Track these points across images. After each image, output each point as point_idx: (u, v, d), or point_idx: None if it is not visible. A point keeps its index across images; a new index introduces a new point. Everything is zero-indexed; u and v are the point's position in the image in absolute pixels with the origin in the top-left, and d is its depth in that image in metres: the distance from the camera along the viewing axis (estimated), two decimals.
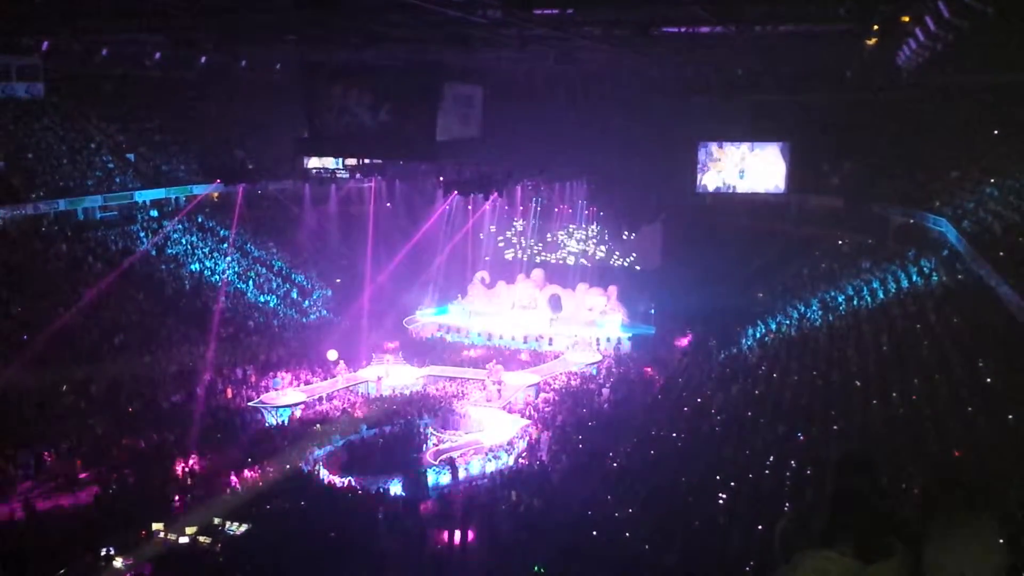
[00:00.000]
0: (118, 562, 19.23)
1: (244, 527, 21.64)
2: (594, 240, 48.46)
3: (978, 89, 38.10)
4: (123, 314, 34.91)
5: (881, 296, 33.81)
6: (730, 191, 48.12)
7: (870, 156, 44.70)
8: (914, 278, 33.60)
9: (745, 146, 47.23)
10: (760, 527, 17.99)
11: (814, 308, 36.12)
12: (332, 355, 35.69)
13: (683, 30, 27.17)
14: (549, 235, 49.61)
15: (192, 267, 40.74)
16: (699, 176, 48.23)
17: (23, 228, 36.28)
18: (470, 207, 49.15)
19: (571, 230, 49.31)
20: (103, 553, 19.40)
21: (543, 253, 48.84)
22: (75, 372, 29.20)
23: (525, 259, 48.68)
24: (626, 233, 47.75)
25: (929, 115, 41.10)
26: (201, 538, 21.12)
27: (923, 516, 3.45)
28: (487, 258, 49.13)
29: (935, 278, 32.54)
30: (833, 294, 36.49)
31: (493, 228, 50.04)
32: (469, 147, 38.64)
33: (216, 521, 21.77)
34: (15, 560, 16.90)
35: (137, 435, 27.31)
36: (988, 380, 22.48)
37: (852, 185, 44.69)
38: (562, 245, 48.94)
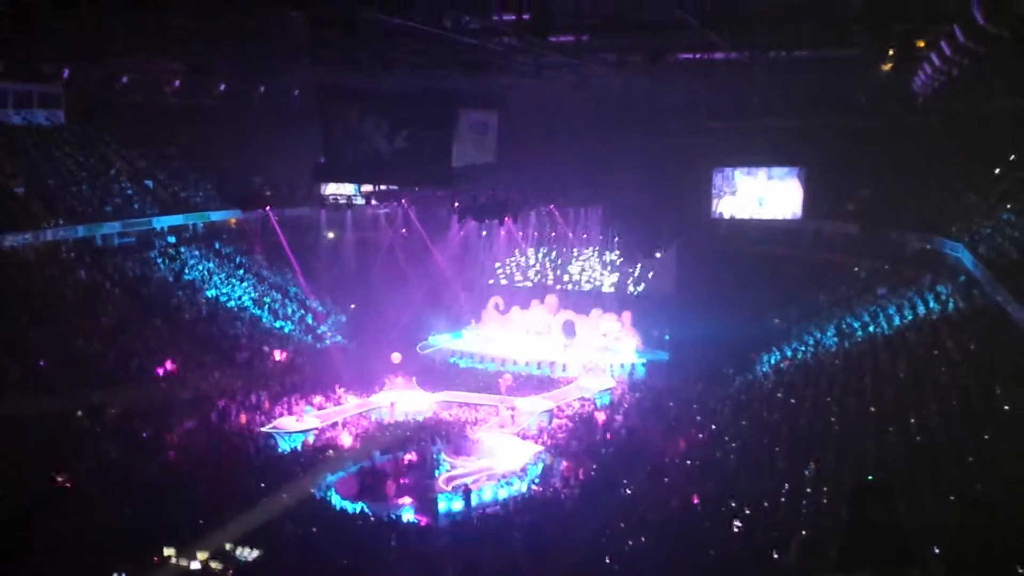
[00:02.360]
0: None
1: (256, 553, 21.55)
2: (609, 266, 48.41)
3: (994, 114, 37.95)
4: (139, 340, 35.09)
5: (897, 322, 33.57)
6: (747, 217, 48.02)
7: (886, 182, 44.54)
8: (931, 304, 33.37)
9: (763, 174, 47.18)
10: (775, 555, 17.77)
11: (830, 334, 35.87)
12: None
13: (697, 56, 27.31)
14: (563, 261, 49.60)
15: (208, 293, 40.96)
16: (715, 202, 48.20)
17: (42, 254, 36.63)
18: (485, 233, 49.26)
19: (586, 256, 49.29)
20: None
21: (557, 279, 48.81)
22: (91, 396, 29.31)
23: (539, 285, 48.65)
24: (641, 259, 47.67)
25: (945, 140, 40.95)
26: (213, 563, 21.04)
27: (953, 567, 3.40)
28: (503, 282, 49.16)
29: (952, 304, 32.29)
30: (849, 320, 36.25)
31: (506, 253, 50.05)
32: (484, 173, 38.80)
33: (228, 546, 21.70)
34: None
35: (150, 460, 27.32)
36: (1006, 407, 22.21)
37: (868, 211, 44.52)
38: (576, 271, 48.91)
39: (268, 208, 47.37)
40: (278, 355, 37.93)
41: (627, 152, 46.10)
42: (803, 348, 36.02)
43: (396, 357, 36.35)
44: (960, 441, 21.42)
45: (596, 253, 49.00)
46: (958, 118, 38.87)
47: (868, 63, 26.80)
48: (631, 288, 47.06)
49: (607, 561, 20.54)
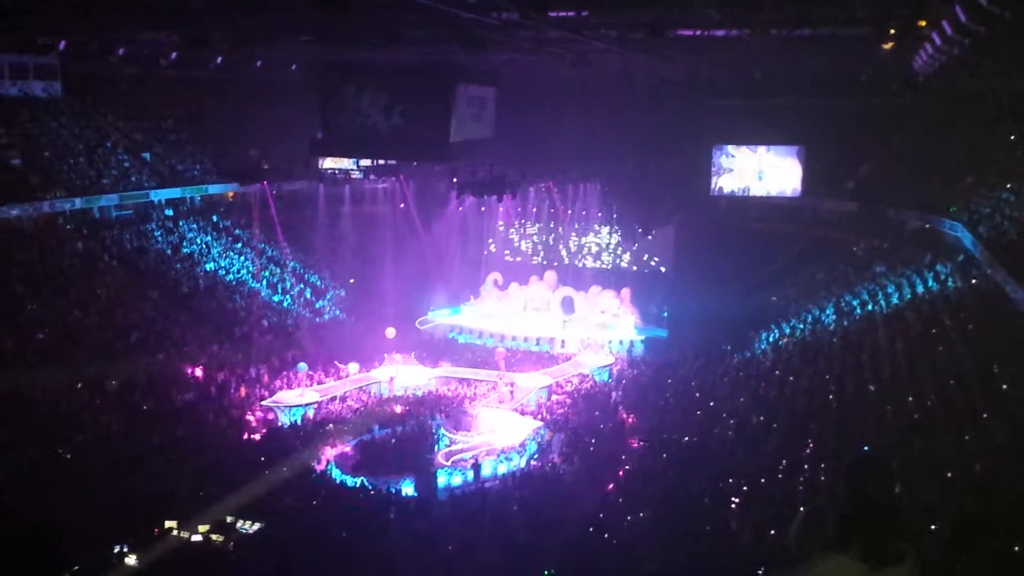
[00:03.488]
0: (131, 559, 19.33)
1: (257, 525, 21.71)
2: (607, 242, 48.38)
3: (995, 94, 37.86)
4: (138, 312, 35.11)
5: (896, 301, 33.66)
6: (745, 194, 47.95)
7: (886, 160, 44.51)
8: (929, 283, 33.46)
9: (762, 149, 47.07)
10: (772, 531, 17.93)
11: (828, 312, 35.98)
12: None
13: (698, 33, 27.11)
14: (562, 237, 49.55)
15: (207, 266, 40.92)
16: (714, 179, 48.11)
17: (40, 226, 36.53)
18: (483, 208, 49.17)
19: (584, 232, 49.24)
20: (116, 551, 19.51)
21: (556, 255, 48.79)
22: (90, 370, 29.37)
23: (538, 261, 48.64)
24: (640, 235, 47.65)
25: (945, 120, 40.88)
26: (214, 536, 21.21)
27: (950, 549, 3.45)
28: (503, 257, 49.15)
29: (950, 283, 32.38)
30: (848, 299, 36.34)
31: (504, 229, 49.98)
32: (482, 148, 38.70)
33: (229, 519, 21.85)
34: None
35: (151, 432, 27.43)
36: (1004, 387, 22.35)
37: (867, 189, 44.49)
38: (575, 247, 48.88)
39: (265, 182, 47.20)
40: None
41: (626, 129, 45.91)
42: (801, 326, 36.13)
43: (391, 332, 36.41)
44: (958, 419, 21.58)
45: (595, 229, 48.94)
46: (959, 98, 38.76)
47: (869, 42, 26.64)
48: (630, 264, 47.07)
49: (605, 536, 20.73)
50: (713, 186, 48.08)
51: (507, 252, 49.69)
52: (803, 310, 37.92)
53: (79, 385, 28.74)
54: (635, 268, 46.78)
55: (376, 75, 37.28)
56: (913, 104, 40.50)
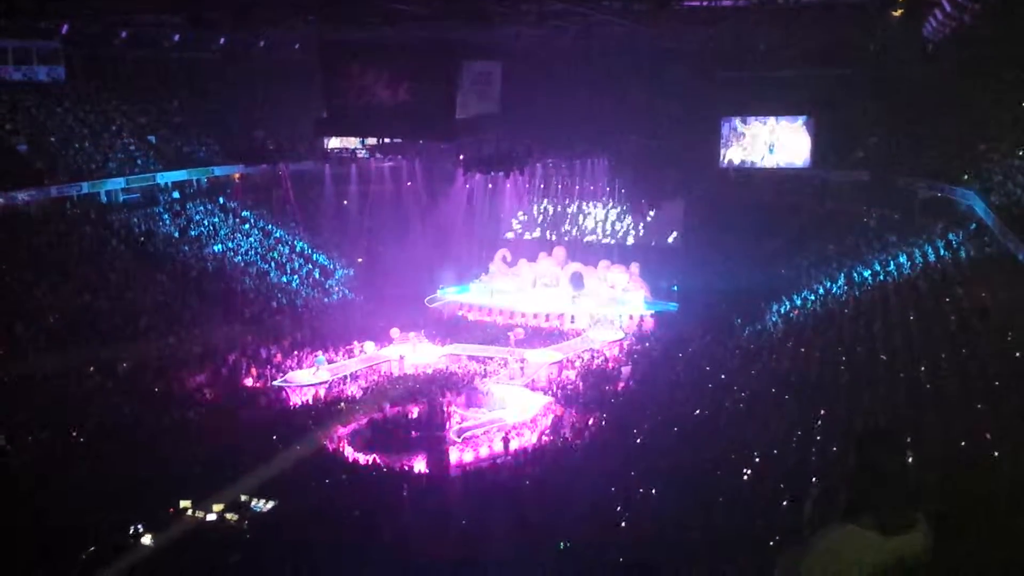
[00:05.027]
0: (147, 539, 19.44)
1: (270, 504, 21.82)
2: (616, 217, 48.18)
3: (1005, 61, 37.36)
4: (147, 296, 35.18)
5: (908, 271, 33.43)
6: (754, 166, 47.63)
7: (896, 129, 44.06)
8: (941, 252, 33.19)
9: (771, 121, 46.69)
10: (785, 503, 17.89)
11: (840, 283, 35.79)
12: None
13: (704, 3, 26.85)
14: (570, 212, 49.38)
15: (215, 248, 40.94)
16: (723, 151, 47.80)
17: (47, 211, 36.58)
18: (490, 185, 49.00)
19: (592, 207, 49.04)
20: (132, 531, 19.63)
21: (564, 231, 48.62)
22: (101, 353, 29.48)
23: (546, 237, 48.49)
24: (648, 209, 47.44)
25: (956, 88, 40.41)
26: (228, 515, 21.32)
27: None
28: (509, 234, 49.02)
29: (963, 252, 32.12)
30: (859, 269, 36.12)
31: (512, 205, 49.83)
32: (488, 124, 38.48)
33: (243, 498, 21.96)
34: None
35: (163, 414, 27.55)
36: (1017, 354, 22.18)
37: (878, 159, 44.09)
38: (583, 222, 48.70)
39: (271, 163, 47.10)
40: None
41: (633, 102, 45.63)
42: (812, 297, 35.96)
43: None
44: (970, 389, 21.44)
45: (603, 204, 48.74)
46: (969, 65, 38.27)
47: (878, 10, 26.33)
48: (639, 239, 46.91)
49: (618, 510, 20.74)
50: (722, 159, 47.76)
51: (515, 228, 49.54)
52: (814, 281, 37.72)
53: (91, 369, 28.84)
54: (644, 242, 46.56)
55: (380, 52, 37.06)
56: (923, 71, 40.05)
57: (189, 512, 21.12)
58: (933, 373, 23.27)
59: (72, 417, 25.88)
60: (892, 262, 34.94)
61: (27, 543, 16.97)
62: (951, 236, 33.94)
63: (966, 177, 36.97)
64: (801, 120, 45.80)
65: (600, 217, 48.72)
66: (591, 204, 49.20)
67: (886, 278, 33.94)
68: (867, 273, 35.24)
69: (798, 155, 46.26)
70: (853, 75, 43.16)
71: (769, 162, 46.84)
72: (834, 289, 35.62)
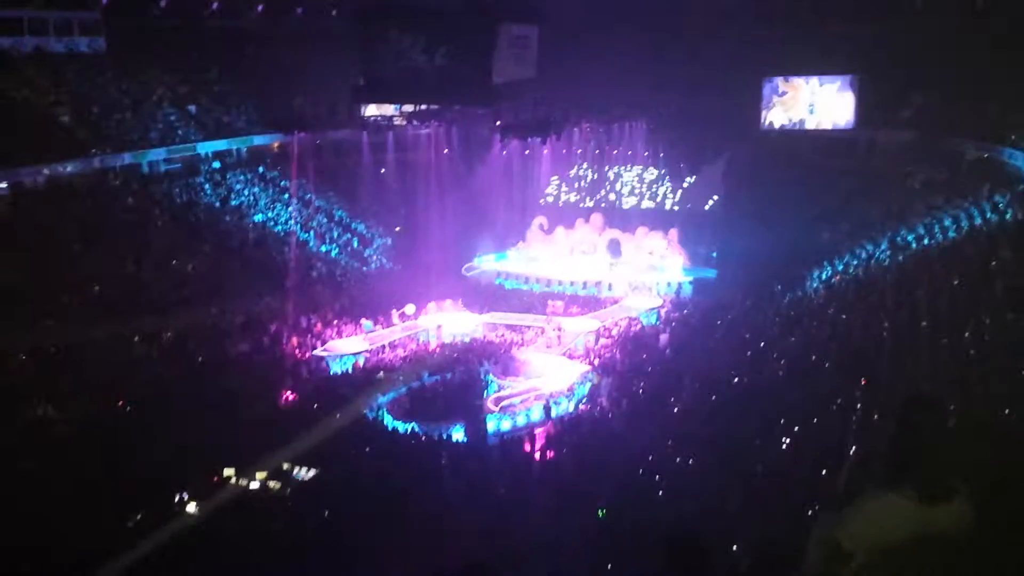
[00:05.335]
0: (191, 507, 19.88)
1: (312, 472, 22.15)
2: (655, 182, 47.64)
3: None
4: (191, 265, 35.64)
5: (953, 234, 32.71)
6: (797, 127, 46.69)
7: (943, 88, 42.82)
8: (988, 214, 32.40)
9: (815, 80, 45.67)
10: (824, 471, 17.74)
11: (883, 247, 35.13)
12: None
13: None
14: (608, 178, 48.92)
15: (256, 218, 41.28)
16: (764, 113, 46.91)
17: (91, 182, 37.11)
18: (528, 151, 48.66)
19: (631, 172, 48.52)
20: (177, 499, 20.07)
21: (602, 197, 48.21)
22: (146, 322, 29.98)
23: (584, 203, 48.13)
24: (688, 174, 46.80)
25: (1006, 44, 39.11)
26: (271, 483, 21.70)
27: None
28: (546, 201, 48.74)
29: (1009, 214, 31.32)
30: (903, 233, 35.41)
31: (549, 171, 49.46)
32: (525, 89, 38.09)
33: (285, 466, 22.31)
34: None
35: (207, 382, 27.99)
36: None
37: (924, 118, 42.98)
38: (621, 188, 48.24)
39: (309, 131, 47.19)
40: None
41: (672, 63, 44.88)
42: (855, 262, 35.37)
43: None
44: (1016, 355, 20.99)
45: (642, 169, 48.19)
46: (1019, 21, 36.99)
47: None
48: (678, 204, 46.36)
49: (656, 478, 20.73)
50: (763, 120, 46.91)
51: (552, 195, 49.24)
52: (857, 246, 37.05)
53: (136, 338, 29.36)
54: (683, 208, 46.01)
55: (417, 17, 36.76)
56: (972, 26, 38.82)
57: (233, 480, 21.53)
58: (978, 339, 22.83)
59: (118, 387, 26.39)
60: (937, 225, 34.19)
61: (74, 512, 17.39)
62: (998, 198, 33.10)
63: (1014, 137, 35.95)
64: (841, 81, 44.72)
65: (639, 182, 48.17)
66: (630, 169, 48.64)
67: (931, 241, 33.26)
68: (911, 237, 34.54)
69: (841, 116, 45.23)
70: (899, 31, 41.97)
71: (810, 123, 45.89)
72: (877, 254, 34.99)
